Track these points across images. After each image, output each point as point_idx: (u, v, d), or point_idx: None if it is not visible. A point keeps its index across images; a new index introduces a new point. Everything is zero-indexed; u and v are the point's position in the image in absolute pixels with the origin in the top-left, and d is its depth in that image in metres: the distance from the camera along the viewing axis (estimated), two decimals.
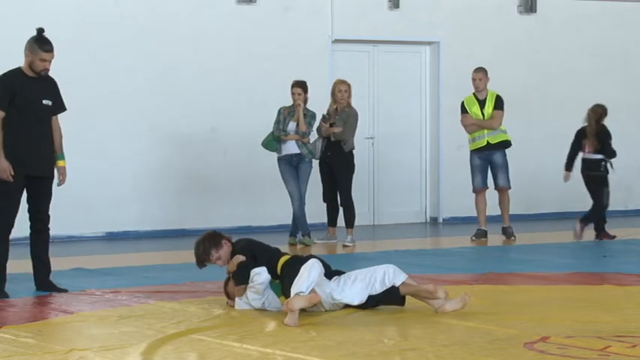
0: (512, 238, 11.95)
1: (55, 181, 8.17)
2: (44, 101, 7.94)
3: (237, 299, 7.09)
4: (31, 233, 8.12)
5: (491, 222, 12.13)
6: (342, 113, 11.58)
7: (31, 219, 8.09)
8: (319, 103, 11.80)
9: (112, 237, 12.51)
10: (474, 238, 11.91)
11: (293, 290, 6.61)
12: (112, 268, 9.51)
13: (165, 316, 6.89)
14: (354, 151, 11.71)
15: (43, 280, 8.11)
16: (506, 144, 12.02)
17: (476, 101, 11.98)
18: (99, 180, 12.36)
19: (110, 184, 12.46)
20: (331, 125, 11.54)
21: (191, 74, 12.84)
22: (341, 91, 11.55)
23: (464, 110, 12.01)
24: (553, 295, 7.75)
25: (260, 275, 6.98)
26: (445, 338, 6.05)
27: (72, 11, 12.34)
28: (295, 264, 6.88)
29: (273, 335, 6.17)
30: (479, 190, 12.06)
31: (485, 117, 11.93)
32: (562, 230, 12.93)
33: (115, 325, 6.59)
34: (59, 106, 8.17)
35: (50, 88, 8.07)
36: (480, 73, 11.96)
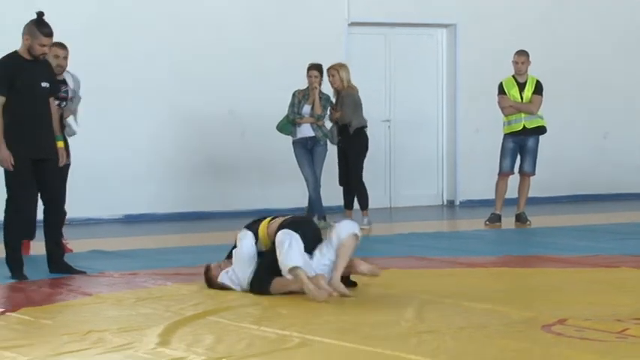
0: (528, 222, 11.89)
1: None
2: (42, 84, 7.95)
3: (222, 273, 7.10)
4: (43, 215, 8.14)
5: (505, 206, 12.05)
6: (342, 96, 11.56)
7: (42, 201, 8.12)
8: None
9: (129, 219, 12.53)
10: (487, 222, 11.85)
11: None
12: (129, 251, 9.53)
13: (182, 298, 6.91)
14: (366, 130, 11.65)
15: (58, 262, 8.13)
16: (542, 130, 11.91)
17: (515, 84, 11.86)
18: (116, 163, 12.37)
19: (128, 167, 12.47)
20: (335, 110, 11.55)
21: (209, 58, 12.82)
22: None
23: (502, 91, 11.87)
24: (571, 278, 7.73)
25: (244, 239, 7.01)
26: (462, 321, 6.04)
27: None
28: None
29: (290, 317, 6.17)
30: (505, 173, 11.96)
31: (524, 101, 11.83)
32: (579, 213, 12.91)
33: (133, 306, 6.61)
34: (55, 88, 8.21)
35: (47, 70, 8.08)
36: (523, 56, 11.83)
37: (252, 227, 7.17)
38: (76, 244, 9.53)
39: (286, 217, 7.15)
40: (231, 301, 6.75)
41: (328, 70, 11.58)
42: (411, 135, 14.14)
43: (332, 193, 12.08)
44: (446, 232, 11.65)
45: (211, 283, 7.21)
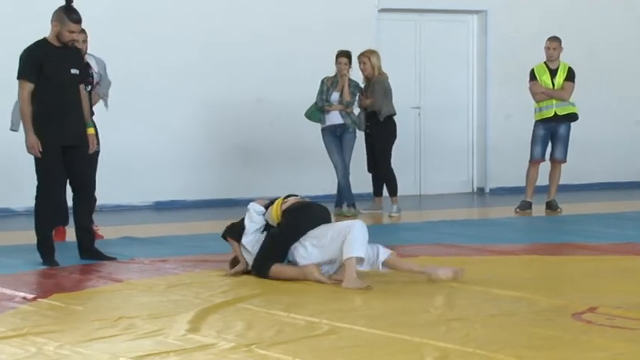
0: (559, 210, 11.84)
1: None
2: (72, 70, 7.96)
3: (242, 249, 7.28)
4: (73, 202, 8.18)
5: (535, 193, 12.01)
6: (372, 83, 11.54)
7: (71, 188, 8.15)
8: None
9: (159, 206, 12.58)
10: (518, 209, 11.81)
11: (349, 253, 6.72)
12: (159, 237, 9.58)
13: (212, 284, 6.94)
14: (394, 118, 11.64)
15: (88, 248, 8.18)
16: (573, 117, 11.84)
17: (547, 70, 11.79)
18: (146, 150, 12.42)
19: (157, 154, 12.52)
20: (365, 97, 11.54)
21: (237, 44, 12.82)
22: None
23: (533, 77, 11.81)
24: (602, 266, 7.69)
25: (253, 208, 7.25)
26: (491, 308, 6.04)
27: None
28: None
29: (320, 305, 6.19)
30: (536, 160, 11.91)
31: (556, 87, 11.76)
32: (610, 201, 12.83)
33: (164, 293, 6.65)
34: (85, 75, 8.21)
35: (76, 57, 8.10)
36: (555, 42, 11.76)
37: (268, 205, 7.35)
38: (106, 230, 9.59)
39: (300, 200, 7.28)
40: (260, 288, 6.78)
41: (359, 57, 11.57)
42: (441, 122, 14.10)
43: (361, 180, 12.08)
44: (476, 219, 11.63)
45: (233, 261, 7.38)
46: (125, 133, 11.97)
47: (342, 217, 11.40)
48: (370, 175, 11.91)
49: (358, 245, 6.77)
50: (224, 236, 7.42)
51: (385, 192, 11.80)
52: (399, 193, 11.70)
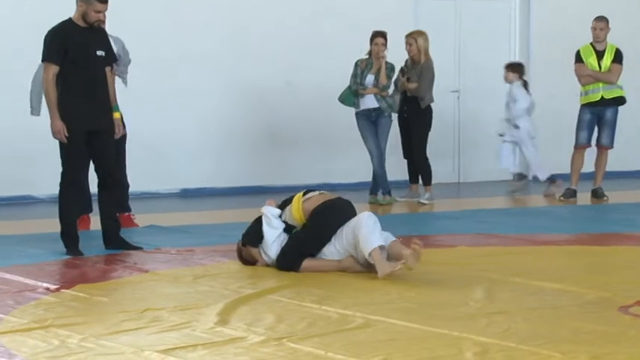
0: (605, 198, 11.77)
1: None
2: (98, 52, 7.96)
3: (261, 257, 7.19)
4: (98, 189, 8.20)
5: (580, 180, 11.94)
6: (418, 67, 11.48)
7: (97, 175, 8.16)
8: (404, 56, 11.71)
9: (186, 194, 12.63)
10: (562, 197, 11.76)
11: (369, 248, 6.67)
12: (187, 226, 9.60)
13: (241, 275, 6.95)
14: (432, 106, 11.61)
15: (114, 238, 8.20)
16: (621, 100, 11.76)
17: (593, 52, 11.71)
18: (174, 136, 12.46)
19: (185, 140, 12.55)
20: (408, 80, 11.48)
21: (268, 27, 12.82)
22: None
23: (579, 59, 11.73)
24: None
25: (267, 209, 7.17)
26: (534, 301, 6.01)
27: None
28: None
29: (353, 297, 6.18)
30: (582, 146, 11.84)
31: (602, 70, 11.68)
32: None
33: (191, 284, 6.67)
34: (111, 57, 8.22)
35: (102, 38, 8.10)
36: (602, 22, 11.66)
37: (282, 204, 7.25)
38: None
39: (324, 197, 7.17)
40: (290, 279, 6.78)
41: (407, 37, 11.51)
42: (481, 105, 14.03)
43: (397, 167, 12.05)
44: (517, 208, 11.57)
45: (245, 262, 7.31)
46: (152, 118, 12.02)
47: (377, 205, 11.40)
48: (406, 161, 11.88)
49: (375, 237, 6.74)
50: (244, 245, 7.33)
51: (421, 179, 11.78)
52: (436, 181, 11.67)
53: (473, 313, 5.69)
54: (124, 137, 9.10)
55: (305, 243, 7.06)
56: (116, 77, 9.29)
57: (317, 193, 7.26)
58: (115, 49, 9.21)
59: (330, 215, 7.04)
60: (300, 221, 7.12)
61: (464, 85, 14.00)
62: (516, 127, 12.32)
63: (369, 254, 6.70)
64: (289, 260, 7.04)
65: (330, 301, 5.99)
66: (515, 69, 12.44)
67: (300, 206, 7.12)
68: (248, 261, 7.29)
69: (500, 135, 12.56)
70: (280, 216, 7.20)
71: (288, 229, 7.18)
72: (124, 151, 9.50)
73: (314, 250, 7.05)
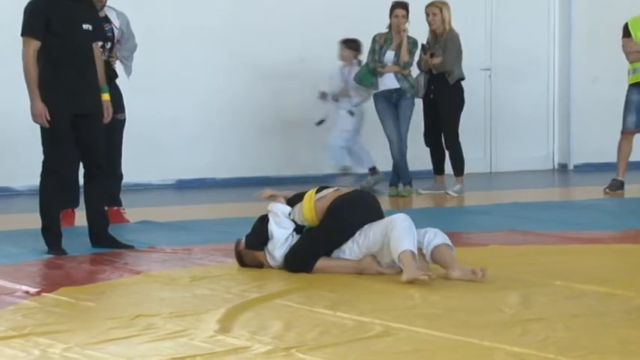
0: None
1: None
2: (84, 26, 7.95)
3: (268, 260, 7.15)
4: (84, 180, 8.21)
5: (628, 170, 11.94)
6: (441, 40, 11.47)
7: (83, 164, 8.16)
8: (424, 30, 11.70)
9: (183, 185, 12.66)
10: (607, 190, 11.77)
11: (400, 249, 6.66)
12: (184, 221, 9.64)
13: (245, 277, 6.97)
14: (462, 83, 11.59)
15: (101, 235, 8.21)
16: None
17: None
18: (170, 121, 12.49)
19: (183, 125, 12.58)
20: (431, 56, 11.46)
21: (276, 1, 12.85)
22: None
23: (627, 33, 11.72)
24: None
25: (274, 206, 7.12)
26: (575, 307, 6.02)
27: None
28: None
29: (371, 302, 6.19)
30: (630, 131, 11.83)
31: None
32: None
33: (188, 287, 6.69)
34: (100, 32, 8.21)
35: (89, 10, 8.10)
36: None
37: (291, 201, 7.19)
38: None
39: (339, 193, 7.11)
40: (300, 281, 6.80)
41: (428, 7, 11.50)
42: (516, 86, 14.05)
43: (419, 155, 12.04)
44: (557, 201, 11.59)
45: (244, 264, 7.28)
46: (143, 100, 12.01)
47: (397, 197, 11.41)
48: (428, 149, 11.85)
49: (408, 241, 6.70)
50: (250, 248, 7.30)
51: (448, 168, 11.74)
52: (465, 170, 11.65)
53: (506, 321, 5.70)
54: (121, 123, 9.11)
55: (320, 241, 7.03)
56: (117, 62, 9.34)
57: (332, 189, 7.17)
58: (117, 24, 9.23)
59: (350, 210, 6.99)
60: (311, 222, 7.06)
61: (496, 62, 14.01)
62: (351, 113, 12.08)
63: (399, 256, 6.67)
64: (301, 260, 7.01)
65: (345, 307, 6.00)
66: (352, 46, 12.17)
67: (313, 205, 7.04)
68: (251, 266, 7.26)
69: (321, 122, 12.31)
70: (289, 214, 7.17)
71: (298, 229, 7.15)
72: (120, 138, 9.52)
73: (330, 249, 7.03)
